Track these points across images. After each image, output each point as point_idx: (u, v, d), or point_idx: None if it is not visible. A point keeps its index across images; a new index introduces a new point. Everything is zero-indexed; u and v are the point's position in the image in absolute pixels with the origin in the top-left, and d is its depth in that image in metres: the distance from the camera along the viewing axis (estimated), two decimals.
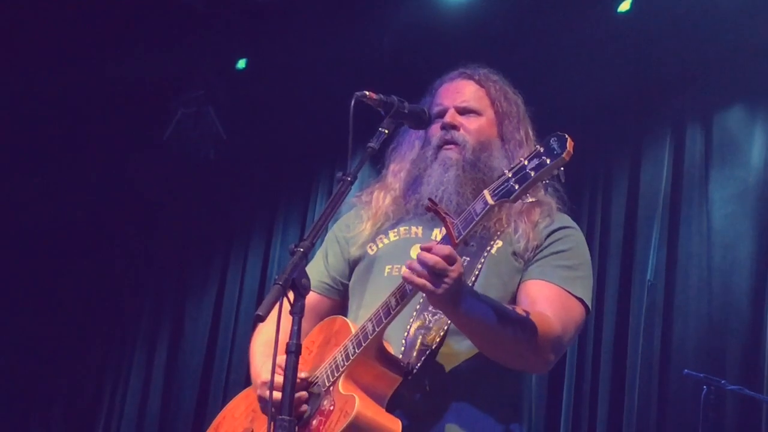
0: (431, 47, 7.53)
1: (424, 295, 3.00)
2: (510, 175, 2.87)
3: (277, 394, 2.85)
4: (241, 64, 8.63)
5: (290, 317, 2.83)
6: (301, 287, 2.85)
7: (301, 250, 2.93)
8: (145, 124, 8.72)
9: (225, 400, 8.70)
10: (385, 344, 3.16)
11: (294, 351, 2.82)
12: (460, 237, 2.93)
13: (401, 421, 3.09)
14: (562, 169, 2.83)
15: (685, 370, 6.04)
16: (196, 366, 9.10)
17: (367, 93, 3.32)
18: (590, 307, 3.31)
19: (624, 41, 7.19)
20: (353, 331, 3.14)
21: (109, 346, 9.58)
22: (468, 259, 3.26)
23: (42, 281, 9.19)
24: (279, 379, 2.87)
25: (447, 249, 2.89)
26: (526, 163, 2.86)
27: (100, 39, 8.03)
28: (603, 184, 7.56)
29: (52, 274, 9.24)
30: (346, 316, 3.42)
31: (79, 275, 9.32)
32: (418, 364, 3.15)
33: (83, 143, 8.82)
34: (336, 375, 3.11)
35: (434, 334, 3.19)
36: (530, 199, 3.00)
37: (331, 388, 3.11)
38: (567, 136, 2.83)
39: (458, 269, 2.90)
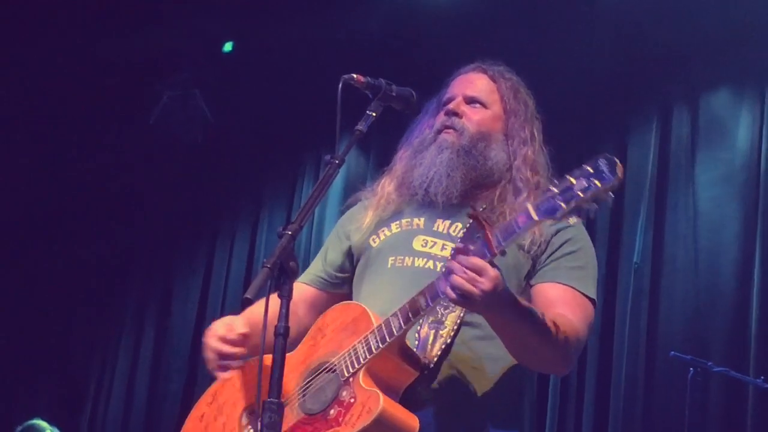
0: (419, 30, 7.53)
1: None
2: (556, 192, 2.88)
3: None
4: (228, 47, 8.60)
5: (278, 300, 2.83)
6: (289, 270, 2.86)
7: (289, 233, 2.93)
8: (131, 107, 8.69)
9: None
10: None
11: (282, 333, 2.82)
12: (500, 248, 2.92)
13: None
14: (611, 194, 2.86)
15: (672, 352, 6.05)
16: (184, 348, 9.11)
17: (355, 76, 3.32)
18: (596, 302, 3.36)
19: (610, 24, 7.18)
20: (374, 322, 3.12)
21: (96, 328, 9.58)
22: (474, 251, 3.26)
23: (29, 264, 9.18)
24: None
25: (480, 261, 2.88)
26: (573, 181, 2.88)
27: (85, 20, 7.99)
28: None
29: (39, 257, 9.23)
30: None
31: (67, 257, 9.32)
32: (435, 359, 3.17)
33: (68, 126, 8.78)
34: (356, 367, 3.10)
35: (448, 327, 3.20)
36: (572, 221, 3.02)
37: (351, 379, 3.10)
38: (617, 160, 2.86)
39: (493, 279, 2.88)
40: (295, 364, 3.27)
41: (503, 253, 2.95)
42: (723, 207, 6.90)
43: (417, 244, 3.40)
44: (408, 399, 3.14)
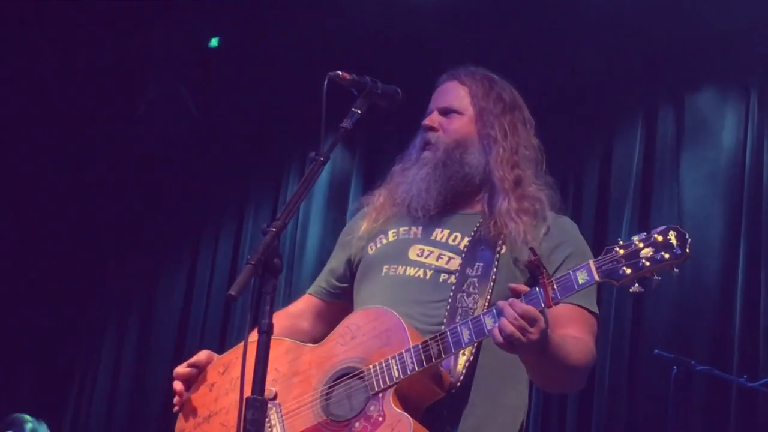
0: (406, 27, 7.53)
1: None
2: (621, 255, 2.90)
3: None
4: (214, 42, 8.58)
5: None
6: (273, 267, 2.87)
7: (274, 230, 2.93)
8: (117, 103, 8.67)
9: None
10: None
11: (266, 331, 2.82)
12: (555, 302, 2.94)
13: None
14: (677, 270, 2.87)
15: (655, 351, 6.07)
16: (168, 345, 9.09)
17: (340, 73, 3.32)
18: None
19: (596, 23, 7.19)
20: (410, 341, 3.11)
21: (81, 324, 9.55)
22: (482, 265, 3.29)
23: (13, 257, 9.15)
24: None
25: (534, 312, 2.90)
26: (640, 246, 2.89)
27: (71, 17, 7.97)
28: (575, 166, 7.57)
29: (22, 253, 9.20)
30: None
31: (50, 254, 9.29)
32: (461, 379, 3.17)
33: (53, 122, 8.76)
34: (388, 384, 3.09)
35: (469, 348, 3.19)
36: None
37: (381, 395, 3.09)
38: (687, 235, 2.86)
39: (543, 331, 2.91)
40: (320, 359, 3.27)
41: (556, 305, 2.98)
42: (708, 206, 6.92)
43: (413, 253, 3.41)
44: (429, 417, 3.15)
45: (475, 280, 3.26)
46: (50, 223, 9.22)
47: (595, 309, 3.34)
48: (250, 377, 2.79)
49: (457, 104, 3.56)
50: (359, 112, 3.32)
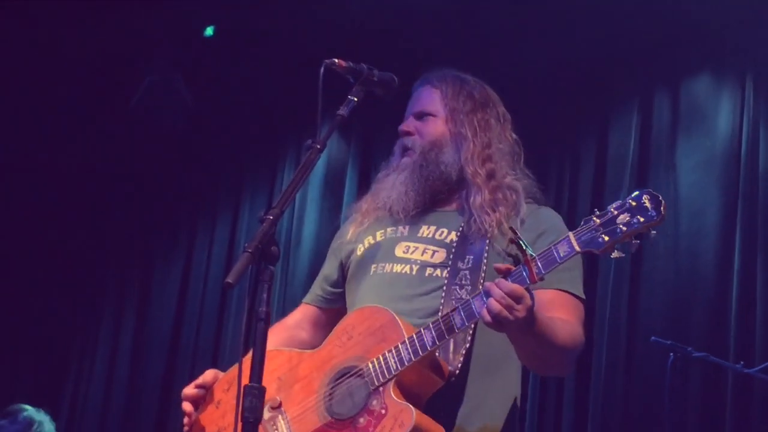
0: (402, 15, 7.52)
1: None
2: (598, 223, 2.94)
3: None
4: (209, 31, 8.56)
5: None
6: (270, 255, 2.88)
7: (270, 217, 2.96)
8: (111, 93, 8.66)
9: (193, 367, 8.77)
10: None
11: (264, 319, 2.85)
12: (540, 276, 2.99)
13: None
14: (654, 232, 2.91)
15: (652, 337, 6.06)
16: (165, 333, 9.11)
17: (336, 61, 3.35)
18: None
19: (592, 8, 7.18)
20: (405, 333, 3.16)
21: (77, 313, 9.56)
22: (472, 257, 3.36)
23: (8, 249, 9.15)
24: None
25: (520, 289, 2.95)
26: (615, 213, 2.93)
27: (64, 4, 7.94)
28: (570, 153, 7.58)
29: (19, 241, 9.20)
30: None
31: (47, 242, 9.29)
32: (459, 366, 3.23)
33: (47, 112, 8.75)
34: (387, 377, 3.14)
35: (464, 333, 3.25)
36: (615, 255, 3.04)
37: (381, 388, 3.14)
38: (661, 198, 2.90)
39: (529, 308, 2.96)
40: (320, 363, 3.32)
41: (541, 280, 3.03)
42: (703, 192, 6.92)
43: (399, 250, 3.49)
44: (431, 406, 3.20)
45: (467, 272, 3.33)
46: (46, 211, 9.22)
47: (582, 294, 3.40)
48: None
49: (430, 107, 3.65)
50: (355, 99, 3.36)
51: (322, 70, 3.30)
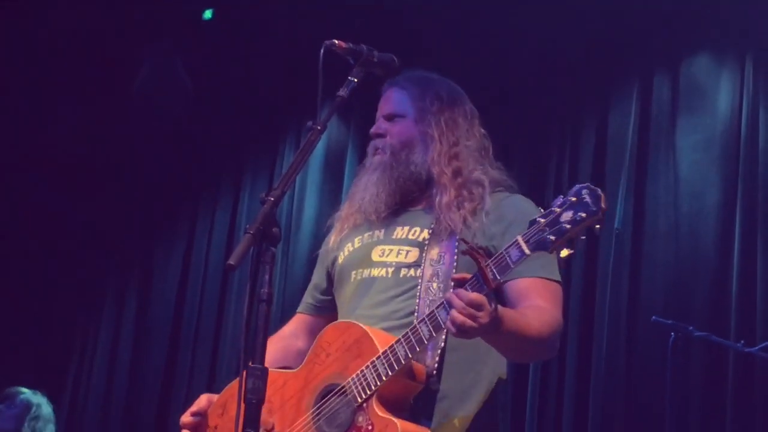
0: None
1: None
2: (544, 224, 2.95)
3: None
4: (208, 14, 8.55)
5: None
6: (272, 236, 2.89)
7: (272, 199, 2.96)
8: (110, 76, 8.65)
9: (195, 352, 8.78)
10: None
11: (266, 300, 2.87)
12: (495, 282, 3.02)
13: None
14: (598, 226, 2.92)
15: (653, 317, 6.07)
16: (166, 318, 9.11)
17: (336, 42, 3.35)
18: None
19: None
20: (379, 347, 3.22)
21: (78, 299, 9.56)
22: (444, 254, 3.41)
23: (10, 234, 9.14)
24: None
25: (479, 298, 2.98)
26: (558, 211, 2.93)
27: None
28: (570, 134, 7.57)
29: (19, 229, 9.19)
30: None
31: (47, 228, 9.28)
32: (436, 366, 3.29)
33: (47, 96, 8.74)
34: (368, 393, 3.20)
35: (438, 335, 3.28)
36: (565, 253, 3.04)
37: (365, 405, 3.20)
38: (600, 191, 2.91)
39: (491, 314, 2.99)
40: (303, 382, 3.39)
41: (499, 286, 3.11)
42: (704, 172, 6.92)
43: (375, 254, 3.56)
44: (415, 407, 3.28)
45: (440, 269, 3.38)
46: (46, 198, 9.20)
47: (557, 277, 3.45)
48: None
49: (398, 108, 3.69)
50: (356, 80, 3.35)
51: (322, 51, 3.31)
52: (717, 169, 6.87)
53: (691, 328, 5.96)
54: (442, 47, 7.47)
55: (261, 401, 2.83)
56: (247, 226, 2.91)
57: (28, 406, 6.55)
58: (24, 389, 6.66)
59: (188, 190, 9.35)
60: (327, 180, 8.50)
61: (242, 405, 2.83)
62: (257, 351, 2.84)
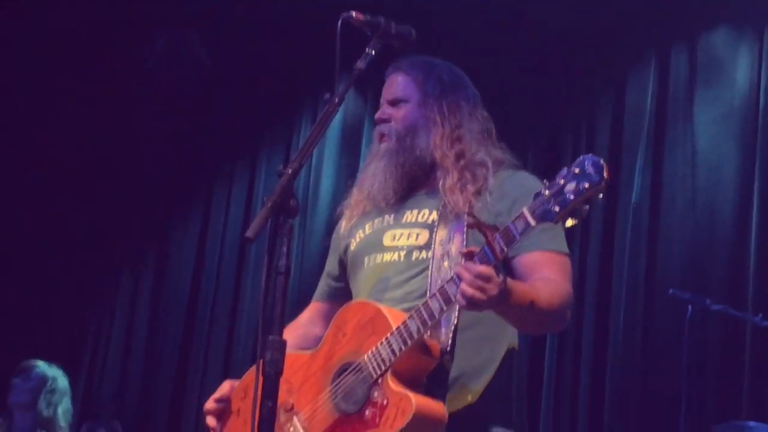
0: None
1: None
2: (548, 196, 2.97)
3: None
4: None
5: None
6: (289, 208, 2.90)
7: (289, 171, 2.96)
8: (126, 52, 8.65)
9: (211, 328, 8.81)
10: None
11: (284, 273, 2.88)
12: (503, 254, 3.04)
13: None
14: (601, 195, 2.94)
15: (671, 290, 6.08)
16: (183, 293, 9.14)
17: (354, 13, 3.32)
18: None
19: None
20: (392, 324, 3.25)
21: (94, 274, 9.57)
22: (454, 235, 3.41)
23: (26, 214, 9.16)
24: None
25: (487, 270, 3.00)
26: (562, 183, 2.95)
27: None
28: (587, 107, 7.56)
29: (36, 207, 9.21)
30: None
31: (64, 205, 9.29)
32: (449, 342, 3.29)
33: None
34: (383, 369, 3.23)
35: (450, 310, 3.30)
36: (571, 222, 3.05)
37: (380, 380, 3.23)
38: (602, 161, 2.93)
39: (500, 285, 3.01)
40: (321, 361, 3.43)
41: (506, 258, 3.13)
42: (721, 146, 6.91)
43: (387, 239, 3.57)
44: (430, 382, 3.29)
45: (450, 248, 3.39)
46: (61, 178, 9.20)
47: (565, 249, 3.46)
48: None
49: (402, 93, 3.68)
50: (373, 52, 3.33)
51: (339, 23, 3.29)
52: (735, 142, 6.86)
53: (708, 301, 5.97)
54: (458, 24, 7.46)
55: (279, 372, 2.85)
56: (265, 198, 2.91)
57: (43, 379, 6.56)
58: (39, 362, 6.67)
59: (205, 164, 9.35)
60: (344, 153, 8.51)
61: (260, 377, 2.85)
62: (275, 323, 2.84)
